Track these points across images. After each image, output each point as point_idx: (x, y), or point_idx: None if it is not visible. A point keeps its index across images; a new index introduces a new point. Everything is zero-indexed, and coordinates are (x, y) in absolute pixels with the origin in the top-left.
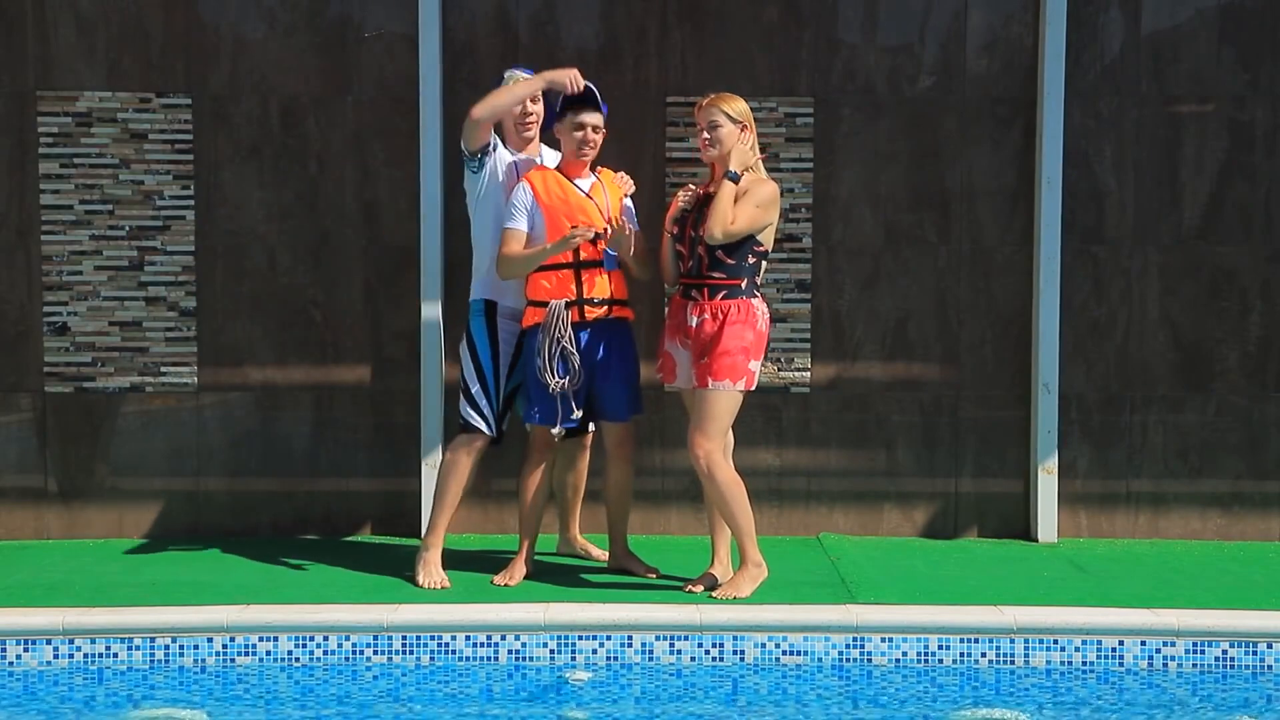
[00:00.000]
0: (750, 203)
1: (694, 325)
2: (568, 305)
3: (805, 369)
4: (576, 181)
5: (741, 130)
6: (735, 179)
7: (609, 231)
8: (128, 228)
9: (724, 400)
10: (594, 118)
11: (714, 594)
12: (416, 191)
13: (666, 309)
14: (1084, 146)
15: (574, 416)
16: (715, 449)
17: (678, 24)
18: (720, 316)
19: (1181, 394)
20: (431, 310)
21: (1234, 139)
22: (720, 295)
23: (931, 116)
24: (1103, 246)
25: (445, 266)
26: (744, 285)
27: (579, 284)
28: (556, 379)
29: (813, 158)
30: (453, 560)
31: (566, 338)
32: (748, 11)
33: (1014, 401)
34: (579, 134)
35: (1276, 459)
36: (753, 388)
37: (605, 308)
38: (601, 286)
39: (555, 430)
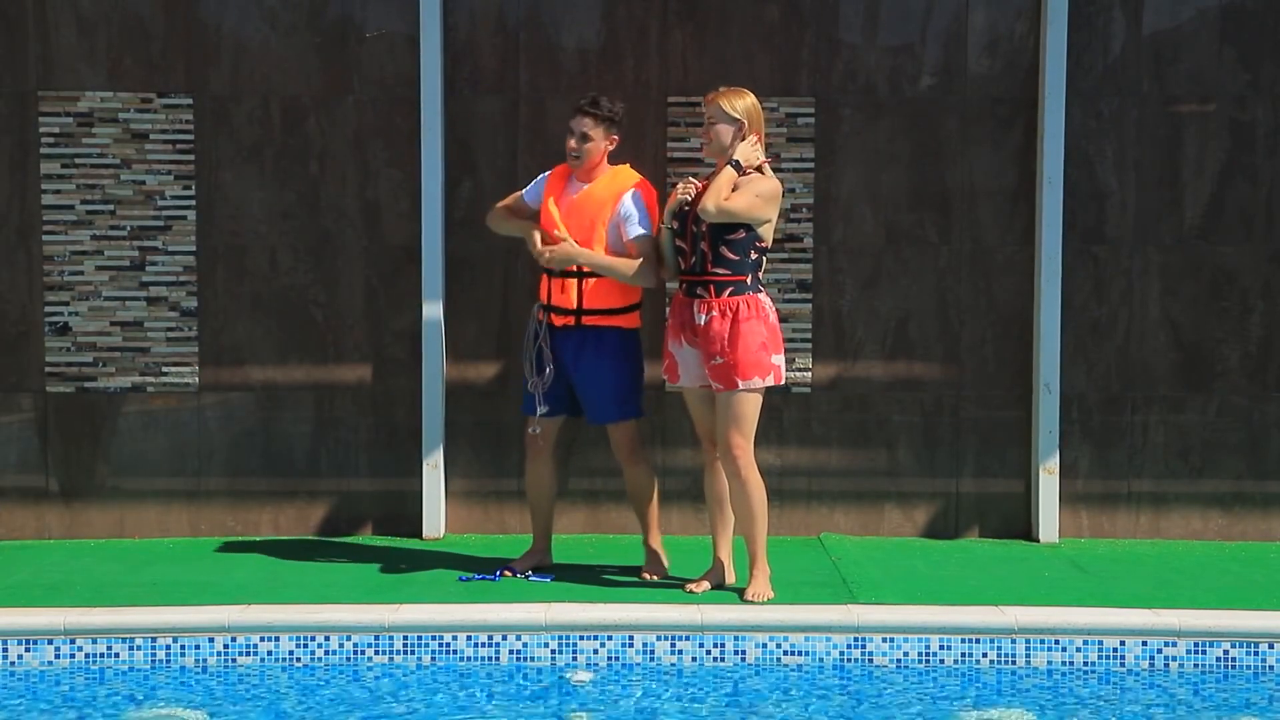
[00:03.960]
0: (750, 191)
1: (702, 323)
2: (542, 309)
3: (806, 369)
4: (571, 184)
5: (739, 129)
6: (738, 167)
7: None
8: (129, 228)
9: (753, 399)
10: (580, 123)
11: (748, 598)
12: (417, 191)
13: (668, 308)
14: (1085, 146)
15: (540, 412)
16: (750, 449)
17: (678, 24)
18: (730, 313)
19: (1182, 394)
20: (432, 310)
21: (1235, 139)
22: (728, 292)
23: (932, 116)
24: (1104, 246)
25: (446, 266)
26: (749, 281)
27: (549, 290)
28: (532, 376)
29: (814, 158)
30: (453, 561)
31: (541, 338)
32: (749, 11)
33: (1015, 401)
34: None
35: (1277, 459)
36: (781, 382)
37: (571, 317)
38: (567, 296)
39: (530, 427)
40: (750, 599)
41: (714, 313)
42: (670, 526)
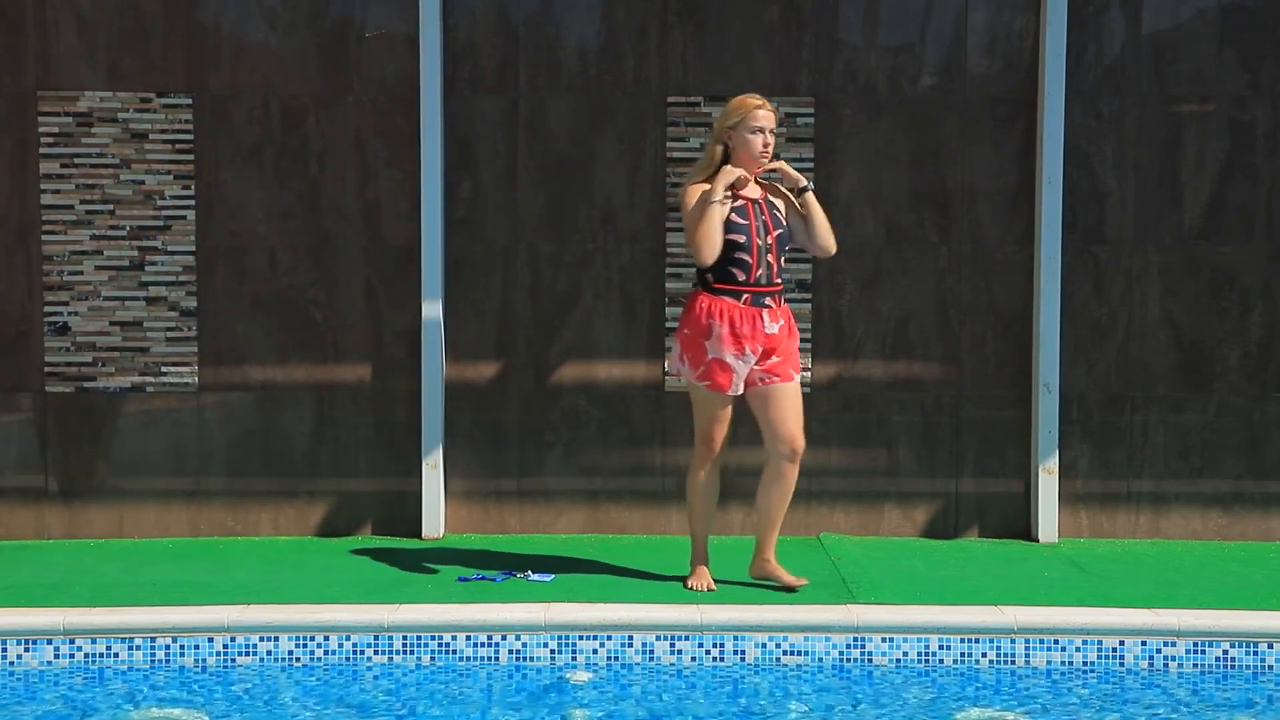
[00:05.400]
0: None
1: (775, 331)
2: None
3: (806, 369)
4: None
5: None
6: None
7: None
8: (128, 228)
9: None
10: None
11: (788, 582)
12: (416, 191)
13: (716, 322)
14: (1085, 146)
15: None
16: None
17: (678, 24)
18: (787, 319)
19: (1182, 394)
20: (432, 310)
21: (1235, 139)
22: (782, 299)
23: (932, 116)
24: (1103, 246)
25: (446, 266)
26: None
27: None
28: None
29: (813, 158)
30: (453, 561)
31: None
32: (748, 11)
33: (1015, 401)
34: None
35: (1277, 459)
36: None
37: None
38: None
39: None
40: (798, 586)
41: (781, 322)
42: (670, 526)
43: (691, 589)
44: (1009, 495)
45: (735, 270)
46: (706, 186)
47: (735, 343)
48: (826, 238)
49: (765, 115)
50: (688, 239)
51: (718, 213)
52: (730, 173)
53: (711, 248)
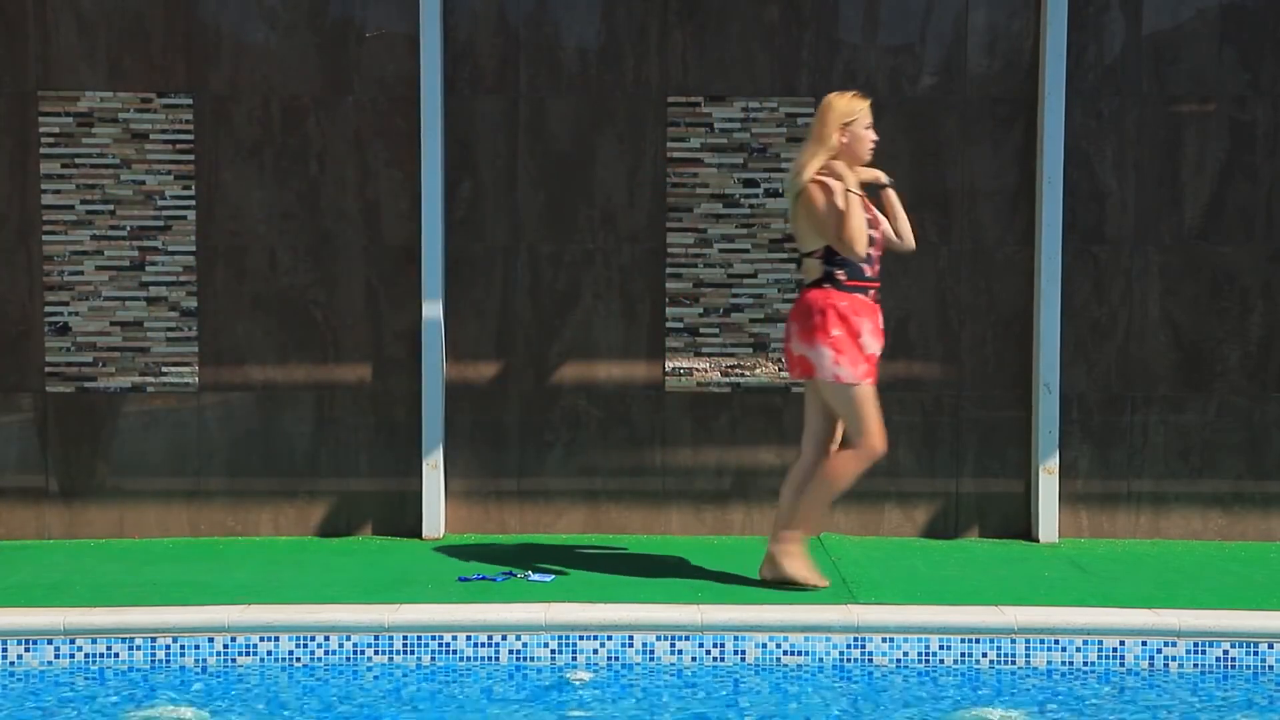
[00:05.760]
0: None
1: (885, 328)
2: None
3: None
4: None
5: None
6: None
7: None
8: (129, 228)
9: None
10: None
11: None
12: (417, 191)
13: (857, 319)
14: (1085, 146)
15: None
16: None
17: (678, 24)
18: None
19: (1182, 394)
20: (432, 310)
21: (1235, 139)
22: None
23: (932, 116)
24: (1104, 246)
25: (446, 266)
26: None
27: None
28: None
29: None
30: (453, 561)
31: None
32: (749, 11)
33: (1015, 401)
34: None
35: (1277, 459)
36: None
37: None
38: None
39: None
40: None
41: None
42: (670, 526)
43: (804, 580)
44: (1009, 495)
45: (864, 266)
46: (823, 180)
47: (875, 336)
48: (909, 232)
49: (867, 113)
50: (832, 235)
51: (859, 204)
52: (849, 169)
53: (865, 240)
